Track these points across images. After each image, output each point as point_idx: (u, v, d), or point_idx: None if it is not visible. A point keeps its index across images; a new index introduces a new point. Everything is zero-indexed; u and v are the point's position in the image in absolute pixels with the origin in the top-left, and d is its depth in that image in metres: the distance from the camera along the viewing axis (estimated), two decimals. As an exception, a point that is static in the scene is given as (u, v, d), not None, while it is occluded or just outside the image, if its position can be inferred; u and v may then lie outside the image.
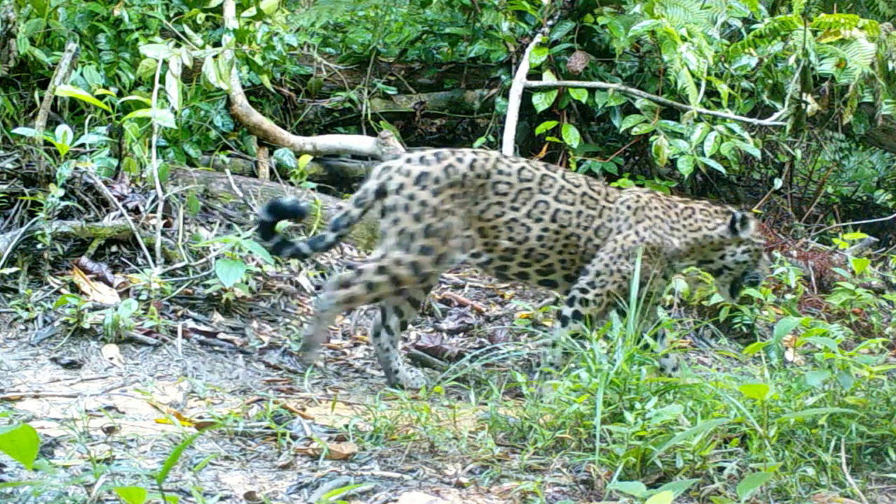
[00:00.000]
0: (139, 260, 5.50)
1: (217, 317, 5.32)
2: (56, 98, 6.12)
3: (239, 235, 5.54)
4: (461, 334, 5.69)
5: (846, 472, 3.73)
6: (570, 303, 4.71)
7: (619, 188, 5.03)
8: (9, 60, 6.54)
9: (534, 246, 4.67)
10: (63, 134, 5.41)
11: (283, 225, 5.86)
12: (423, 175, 4.50)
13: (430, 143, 8.21)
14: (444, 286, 6.20)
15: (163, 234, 5.58)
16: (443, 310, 5.88)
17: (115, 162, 6.02)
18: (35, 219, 5.32)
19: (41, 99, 6.22)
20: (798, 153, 7.88)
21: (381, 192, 4.54)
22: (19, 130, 5.86)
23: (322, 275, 6.04)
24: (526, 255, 4.67)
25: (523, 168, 4.68)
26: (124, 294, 5.22)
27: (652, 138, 7.23)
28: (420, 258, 4.45)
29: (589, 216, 4.73)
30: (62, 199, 5.41)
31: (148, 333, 4.97)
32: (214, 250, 5.51)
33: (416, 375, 4.88)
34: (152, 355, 4.86)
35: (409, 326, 5.65)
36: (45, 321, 4.92)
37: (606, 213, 4.76)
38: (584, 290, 4.68)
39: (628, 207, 4.77)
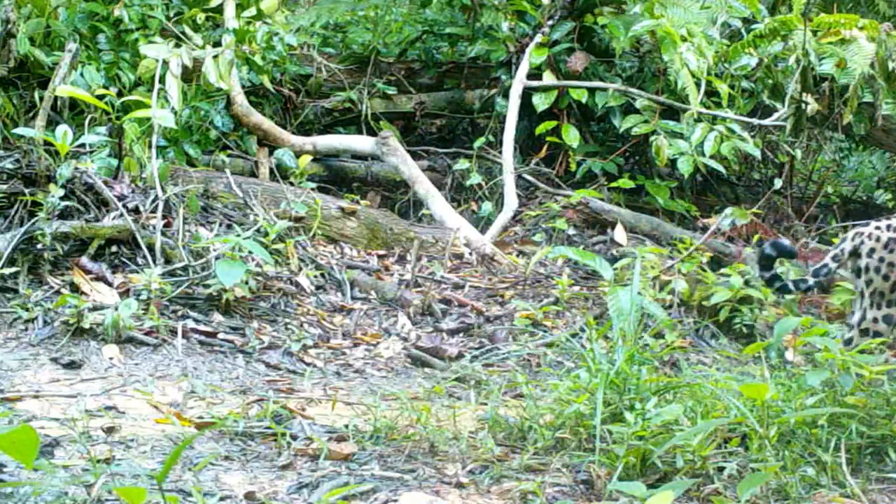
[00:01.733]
0: (139, 260, 5.50)
1: (217, 317, 5.32)
2: (56, 98, 6.12)
3: (239, 235, 5.54)
4: (461, 334, 5.68)
5: (846, 472, 3.72)
6: None
7: None
8: (9, 60, 6.54)
9: None
10: (63, 134, 5.41)
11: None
12: (893, 241, 5.25)
13: (430, 143, 8.22)
14: (444, 286, 6.20)
15: (163, 234, 5.58)
16: (443, 310, 5.87)
17: (115, 162, 6.01)
18: (35, 219, 5.31)
19: (41, 99, 6.22)
20: (798, 153, 7.87)
21: (854, 253, 5.29)
22: (19, 130, 5.86)
23: (322, 275, 6.04)
24: None
25: None
26: (124, 294, 5.21)
27: (652, 138, 7.23)
28: (892, 311, 5.18)
29: None
30: (62, 199, 5.41)
31: (148, 333, 4.97)
32: (214, 250, 5.51)
33: None
34: (152, 355, 4.86)
35: (410, 327, 5.67)
36: (45, 321, 4.92)
37: None
38: None
39: None
